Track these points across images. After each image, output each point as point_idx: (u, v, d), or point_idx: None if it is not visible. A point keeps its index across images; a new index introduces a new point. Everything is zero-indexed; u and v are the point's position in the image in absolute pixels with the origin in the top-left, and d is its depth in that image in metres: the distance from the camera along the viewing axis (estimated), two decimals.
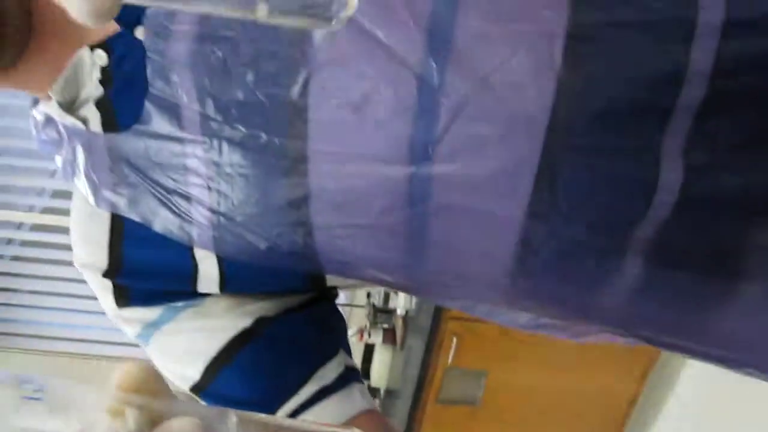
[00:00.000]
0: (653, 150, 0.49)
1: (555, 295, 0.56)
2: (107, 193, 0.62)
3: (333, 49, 0.51)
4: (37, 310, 2.33)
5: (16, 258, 2.29)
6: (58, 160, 0.67)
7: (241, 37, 0.53)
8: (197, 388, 0.64)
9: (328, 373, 0.65)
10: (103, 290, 0.66)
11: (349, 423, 0.62)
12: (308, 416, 0.63)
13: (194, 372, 0.64)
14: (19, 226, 2.30)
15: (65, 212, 2.17)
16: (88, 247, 0.66)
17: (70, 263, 2.13)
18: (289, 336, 0.65)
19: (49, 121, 0.64)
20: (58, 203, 2.19)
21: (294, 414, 0.62)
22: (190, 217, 0.60)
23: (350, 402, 0.65)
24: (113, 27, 0.58)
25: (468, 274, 0.57)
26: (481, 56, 0.49)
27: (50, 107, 0.62)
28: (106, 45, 0.58)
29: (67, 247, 2.25)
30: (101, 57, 0.58)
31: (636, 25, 0.48)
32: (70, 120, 0.61)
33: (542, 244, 0.52)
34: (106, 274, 0.65)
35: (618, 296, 0.54)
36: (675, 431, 2.26)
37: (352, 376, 0.67)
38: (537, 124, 0.49)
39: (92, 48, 0.58)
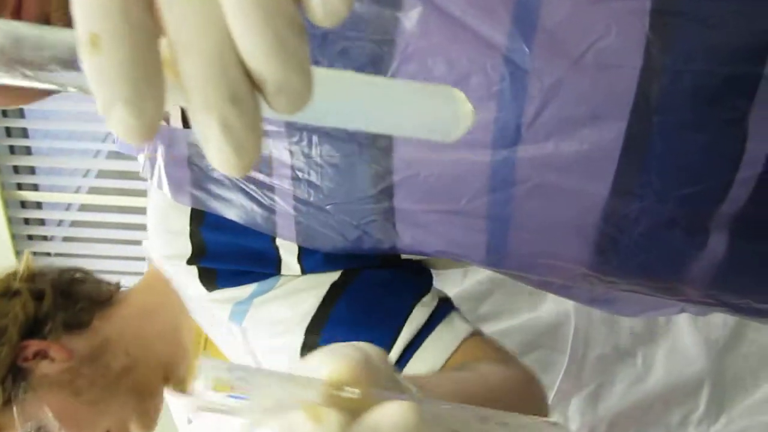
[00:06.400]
0: (742, 121, 0.49)
1: (641, 270, 0.57)
2: (188, 188, 0.63)
3: (422, 39, 0.51)
4: None
5: (67, 239, 2.34)
6: (141, 159, 0.68)
7: (329, 31, 0.52)
8: (305, 349, 0.66)
9: (424, 309, 0.66)
10: (190, 277, 0.68)
11: (455, 352, 0.65)
12: (416, 358, 0.64)
13: (297, 337, 0.65)
14: (67, 207, 2.34)
15: (111, 191, 2.20)
16: (169, 237, 0.68)
17: (118, 241, 2.14)
18: (378, 280, 0.67)
19: None
20: (103, 183, 2.22)
21: (401, 359, 0.64)
22: (275, 208, 0.61)
23: (452, 332, 0.66)
24: None
25: (551, 252, 0.58)
26: (571, 38, 0.49)
27: None
28: None
29: (115, 225, 2.26)
30: None
31: None
32: None
33: (634, 221, 0.53)
34: (191, 261, 0.66)
35: (705, 268, 0.55)
36: None
37: (447, 306, 0.69)
38: (627, 102, 0.49)
39: None
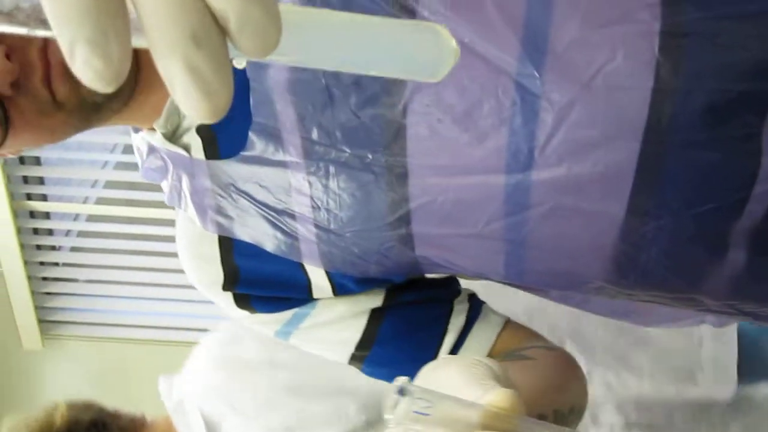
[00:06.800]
0: (755, 138, 0.49)
1: (661, 284, 0.57)
2: (214, 216, 0.65)
3: None
4: (94, 298, 2.39)
5: (74, 249, 2.35)
6: (165, 186, 0.70)
7: None
8: (353, 360, 0.71)
9: (460, 313, 0.71)
10: (228, 302, 0.70)
11: (495, 343, 0.71)
12: (462, 353, 0.70)
13: (345, 354, 0.70)
14: (75, 217, 2.35)
15: (119, 202, 2.22)
16: (202, 266, 0.69)
17: (125, 251, 2.14)
18: (415, 297, 0.70)
19: (152, 149, 0.67)
20: (111, 193, 2.24)
21: None
22: (298, 235, 0.62)
23: (489, 326, 0.72)
24: None
25: (569, 270, 0.58)
26: (581, 61, 0.50)
27: (153, 137, 0.65)
28: None
29: (123, 236, 2.25)
30: None
31: (733, 17, 0.48)
32: (173, 148, 0.64)
33: (651, 240, 0.54)
34: (225, 287, 0.68)
35: (725, 280, 0.56)
36: None
37: (478, 302, 0.74)
38: (639, 123, 0.50)
39: None
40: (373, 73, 0.27)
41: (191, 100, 0.23)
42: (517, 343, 0.71)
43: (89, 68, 0.22)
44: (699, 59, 0.49)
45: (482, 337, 0.70)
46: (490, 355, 0.70)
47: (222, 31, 0.23)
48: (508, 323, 0.73)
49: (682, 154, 0.50)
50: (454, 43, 0.28)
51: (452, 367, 0.44)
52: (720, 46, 0.48)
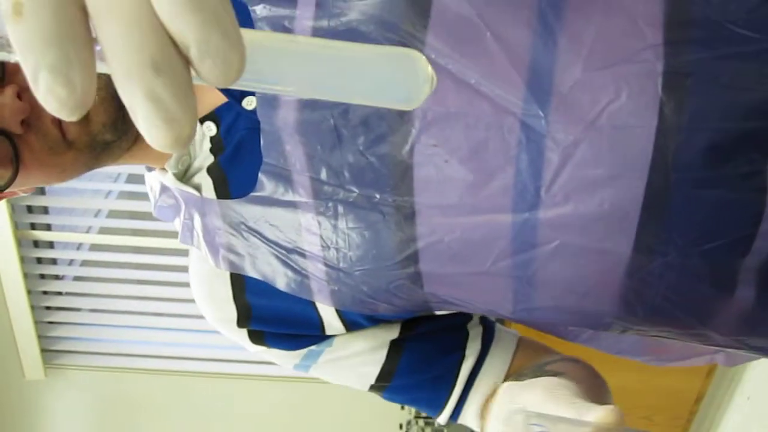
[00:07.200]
0: (759, 176, 0.50)
1: (669, 320, 0.57)
2: (225, 254, 0.66)
3: (439, 107, 0.52)
4: (97, 327, 2.38)
5: (78, 278, 2.35)
6: (177, 224, 0.71)
7: (350, 104, 0.54)
8: (372, 389, 0.72)
9: (475, 337, 0.72)
10: (243, 339, 0.70)
11: (513, 361, 0.73)
12: (482, 374, 0.71)
13: (365, 384, 0.72)
14: (78, 246, 2.36)
15: (121, 232, 2.22)
16: (216, 304, 0.70)
17: (128, 281, 2.15)
18: (430, 328, 0.71)
19: (164, 188, 0.68)
20: (114, 223, 2.24)
21: (468, 381, 0.71)
22: (308, 273, 0.63)
23: (505, 345, 0.73)
24: (221, 98, 0.62)
25: (577, 307, 0.59)
26: (585, 101, 0.50)
27: (165, 178, 0.66)
28: (214, 115, 0.62)
29: (126, 266, 2.26)
30: (210, 128, 0.62)
31: (737, 56, 0.48)
32: (184, 188, 0.65)
33: (658, 276, 0.54)
34: (239, 324, 0.69)
35: (734, 316, 0.56)
36: (742, 427, 2.20)
37: (490, 322, 0.75)
38: (644, 162, 0.50)
39: (202, 120, 0.62)
40: (343, 99, 0.27)
41: (153, 128, 0.22)
42: (531, 359, 0.72)
43: (52, 96, 0.22)
44: (702, 98, 0.49)
45: (499, 359, 0.71)
46: (508, 374, 0.71)
47: (184, 59, 0.23)
48: (520, 340, 0.74)
49: (687, 191, 0.51)
50: (430, 69, 0.26)
51: (537, 391, 0.46)
52: (723, 86, 0.49)
